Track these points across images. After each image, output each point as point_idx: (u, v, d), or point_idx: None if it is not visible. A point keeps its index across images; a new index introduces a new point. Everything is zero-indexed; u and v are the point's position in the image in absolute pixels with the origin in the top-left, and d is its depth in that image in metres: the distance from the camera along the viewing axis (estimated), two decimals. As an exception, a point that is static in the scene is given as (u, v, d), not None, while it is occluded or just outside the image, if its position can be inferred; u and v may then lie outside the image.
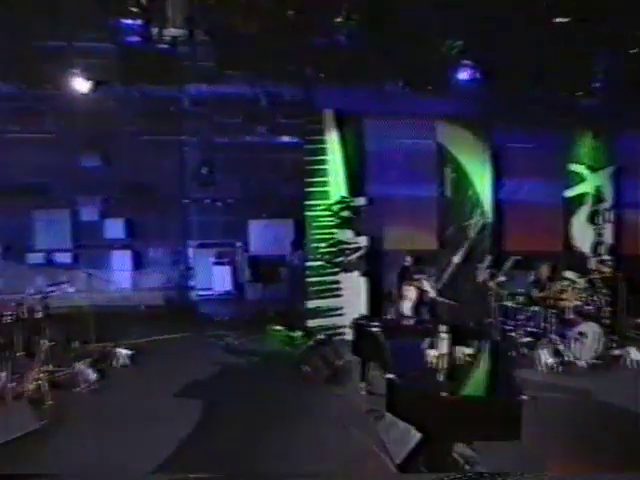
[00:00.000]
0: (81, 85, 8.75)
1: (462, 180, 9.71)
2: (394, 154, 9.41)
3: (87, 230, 10.98)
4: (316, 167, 9.41)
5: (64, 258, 10.80)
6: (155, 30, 7.50)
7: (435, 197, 9.77)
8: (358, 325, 6.98)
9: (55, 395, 6.36)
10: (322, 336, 8.54)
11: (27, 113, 9.88)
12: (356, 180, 9.40)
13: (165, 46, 7.86)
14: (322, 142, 9.37)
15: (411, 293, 7.91)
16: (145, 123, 10.31)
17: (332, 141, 9.34)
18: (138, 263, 11.17)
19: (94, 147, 10.39)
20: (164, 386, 6.89)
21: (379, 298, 9.07)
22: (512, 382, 5.13)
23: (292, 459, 5.13)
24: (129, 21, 7.26)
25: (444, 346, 5.32)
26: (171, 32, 7.54)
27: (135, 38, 7.52)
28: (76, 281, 9.23)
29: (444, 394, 4.61)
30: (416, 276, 8.66)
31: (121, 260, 11.06)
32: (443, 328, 5.43)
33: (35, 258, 10.67)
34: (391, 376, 4.99)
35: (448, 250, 9.67)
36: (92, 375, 7.02)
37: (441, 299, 8.62)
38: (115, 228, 11.04)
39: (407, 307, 7.80)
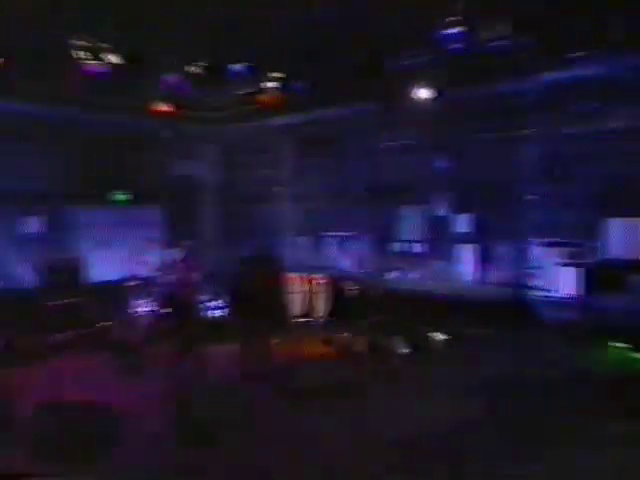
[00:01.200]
0: (426, 94, 9.90)
1: None
2: None
3: (439, 224, 12.14)
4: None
5: (418, 248, 12.28)
6: (478, 33, 7.87)
7: None
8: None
9: (372, 358, 7.73)
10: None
11: (392, 125, 11.73)
12: None
13: (491, 44, 8.10)
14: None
15: None
16: (489, 121, 10.64)
17: None
18: (481, 257, 11.57)
19: (445, 149, 11.44)
20: (458, 375, 7.23)
21: None
22: None
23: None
24: (453, 30, 7.80)
25: None
26: (492, 31, 7.77)
27: (460, 44, 7.99)
28: (423, 269, 10.49)
29: None
30: None
31: (465, 253, 11.72)
32: None
33: (397, 247, 12.56)
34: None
35: None
36: (405, 349, 8.05)
37: None
38: (463, 223, 11.78)
39: None
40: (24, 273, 10.79)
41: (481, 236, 11.50)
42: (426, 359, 7.96)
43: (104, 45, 7.34)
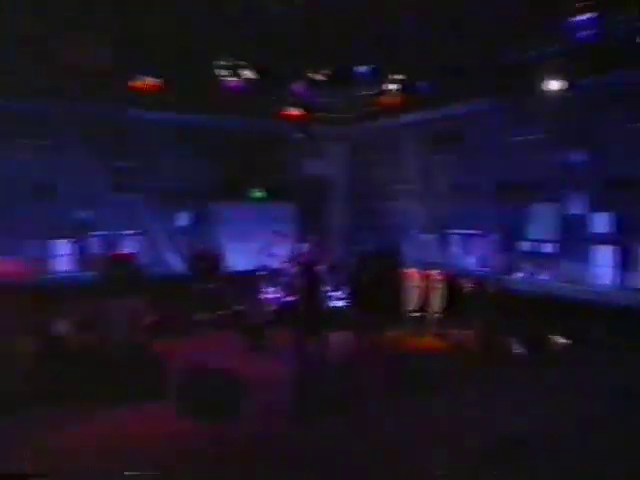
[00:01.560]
0: (558, 86, 9.42)
1: None
2: None
3: (573, 223, 11.36)
4: None
5: (548, 248, 11.62)
6: (612, 17, 7.38)
7: None
8: None
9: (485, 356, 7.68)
10: None
11: (522, 119, 11.28)
12: None
13: (628, 27, 7.53)
14: None
15: None
16: (632, 112, 9.76)
17: None
18: (621, 260, 10.63)
19: (581, 143, 10.71)
20: (573, 380, 6.87)
21: None
22: None
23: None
24: (581, 17, 7.43)
25: None
26: (627, 14, 7.26)
27: (588, 32, 7.57)
28: (553, 270, 10.01)
29: None
30: None
31: (603, 255, 10.85)
32: None
33: (524, 246, 12.01)
34: None
35: None
36: (521, 350, 7.84)
37: None
38: (600, 222, 10.93)
39: None
40: (176, 261, 12.47)
41: (622, 237, 10.57)
42: (543, 362, 7.66)
43: (241, 63, 8.46)
